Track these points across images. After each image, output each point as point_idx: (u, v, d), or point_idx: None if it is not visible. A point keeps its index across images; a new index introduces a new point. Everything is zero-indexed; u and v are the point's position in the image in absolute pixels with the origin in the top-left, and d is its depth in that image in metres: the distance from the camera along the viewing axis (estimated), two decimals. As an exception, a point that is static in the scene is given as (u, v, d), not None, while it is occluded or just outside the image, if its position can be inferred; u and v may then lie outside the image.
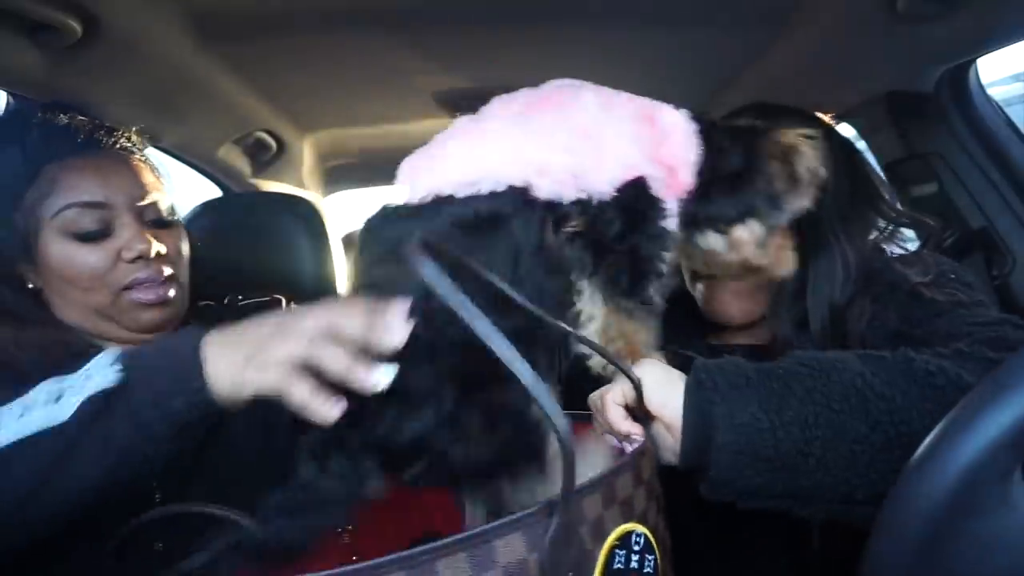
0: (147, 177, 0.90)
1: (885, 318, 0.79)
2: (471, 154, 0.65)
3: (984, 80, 1.22)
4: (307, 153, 1.86)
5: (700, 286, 0.92)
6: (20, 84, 1.02)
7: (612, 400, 0.66)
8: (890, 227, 0.89)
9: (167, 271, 0.87)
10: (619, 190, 0.64)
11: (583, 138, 0.65)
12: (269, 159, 1.74)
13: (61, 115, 0.89)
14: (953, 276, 0.82)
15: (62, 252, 0.82)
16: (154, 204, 0.88)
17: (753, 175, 0.70)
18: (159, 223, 0.88)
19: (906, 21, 0.99)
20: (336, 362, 0.56)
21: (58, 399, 0.58)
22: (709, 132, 0.70)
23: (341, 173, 2.11)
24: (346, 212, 2.65)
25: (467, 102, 1.51)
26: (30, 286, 0.84)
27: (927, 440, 0.44)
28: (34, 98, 1.06)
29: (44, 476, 0.56)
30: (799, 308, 0.85)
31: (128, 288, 0.84)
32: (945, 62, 1.15)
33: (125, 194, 0.85)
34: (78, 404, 0.58)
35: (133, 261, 0.84)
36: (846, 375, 0.59)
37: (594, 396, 0.70)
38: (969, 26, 1.00)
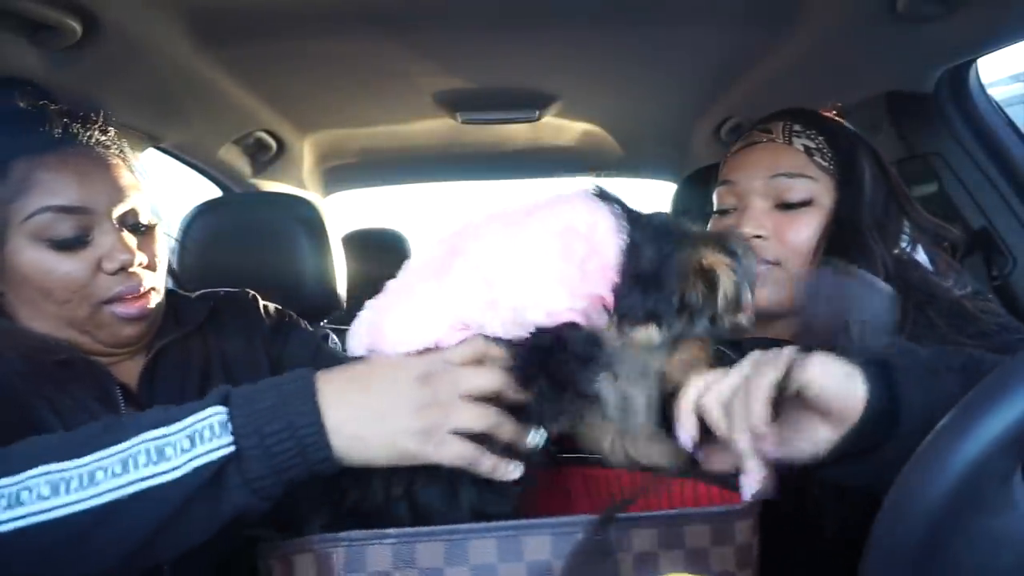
0: (126, 177, 0.82)
1: (933, 324, 0.79)
2: (400, 315, 0.64)
3: (984, 80, 1.22)
4: (307, 154, 1.86)
5: None
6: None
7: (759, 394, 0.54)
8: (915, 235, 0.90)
9: (148, 282, 0.81)
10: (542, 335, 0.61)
11: (498, 288, 0.61)
12: (269, 159, 1.74)
13: (33, 102, 0.81)
14: (989, 297, 0.85)
15: (35, 260, 0.75)
16: (133, 209, 0.81)
17: (664, 282, 0.65)
18: (138, 228, 0.82)
19: (906, 21, 0.99)
20: (506, 432, 0.58)
21: (160, 456, 0.54)
22: (633, 228, 0.66)
23: (341, 173, 2.11)
24: (346, 212, 2.66)
25: (467, 102, 1.52)
26: None
27: (927, 440, 0.44)
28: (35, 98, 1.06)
29: (149, 536, 0.54)
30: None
31: (109, 302, 0.78)
32: (945, 62, 1.15)
33: (104, 197, 0.78)
34: (188, 468, 0.54)
35: (115, 273, 0.78)
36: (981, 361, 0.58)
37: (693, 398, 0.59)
38: (969, 26, 1.00)
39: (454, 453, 0.57)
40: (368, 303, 0.67)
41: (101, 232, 0.78)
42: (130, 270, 0.79)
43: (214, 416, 0.56)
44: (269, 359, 0.97)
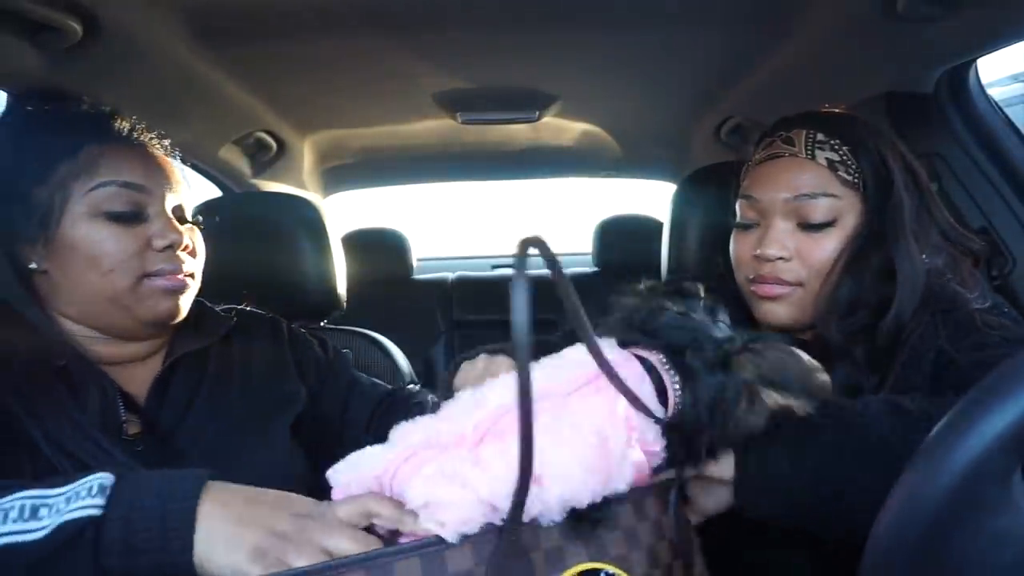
0: (179, 176, 0.91)
1: (935, 334, 0.79)
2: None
3: (984, 80, 1.22)
4: (307, 154, 1.86)
5: (753, 288, 0.91)
6: (20, 84, 1.02)
7: None
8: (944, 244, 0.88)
9: (188, 266, 0.87)
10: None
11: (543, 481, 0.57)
12: (269, 160, 1.74)
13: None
14: (1007, 309, 0.84)
15: (90, 231, 0.80)
16: (181, 204, 0.89)
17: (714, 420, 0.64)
18: (183, 221, 0.89)
19: (906, 21, 0.99)
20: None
21: (34, 514, 0.54)
22: (684, 380, 0.64)
23: (341, 173, 2.11)
24: (346, 212, 2.66)
25: (467, 102, 1.52)
26: (32, 266, 0.81)
27: (927, 440, 0.44)
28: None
29: None
30: (856, 318, 0.84)
31: (151, 275, 0.83)
32: (945, 62, 1.15)
33: (162, 185, 0.86)
34: (53, 526, 0.53)
35: (163, 250, 0.83)
36: (867, 431, 0.64)
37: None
38: (969, 26, 1.00)
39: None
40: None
41: (155, 212, 0.84)
42: (176, 250, 0.85)
43: (98, 480, 0.56)
44: (301, 395, 0.98)
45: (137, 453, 0.78)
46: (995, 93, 1.25)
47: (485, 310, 2.33)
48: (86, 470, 0.59)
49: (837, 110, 0.98)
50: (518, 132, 1.81)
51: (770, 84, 1.35)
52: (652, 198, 2.65)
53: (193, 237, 0.90)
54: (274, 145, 1.69)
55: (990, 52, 1.10)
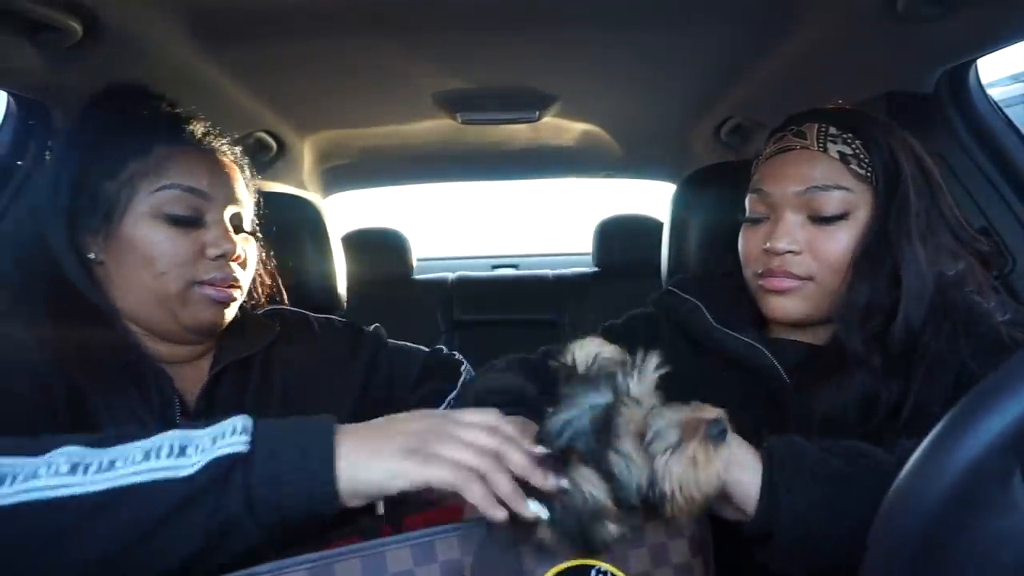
0: (242, 185, 0.92)
1: (957, 348, 0.77)
2: None
3: (984, 80, 1.22)
4: (307, 154, 1.86)
5: (761, 283, 0.89)
6: (20, 84, 1.02)
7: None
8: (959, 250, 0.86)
9: (238, 276, 0.88)
10: None
11: None
12: (269, 160, 1.74)
13: (183, 108, 0.92)
14: None
15: (150, 231, 0.82)
16: (239, 213, 0.90)
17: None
18: (240, 231, 0.90)
19: (906, 21, 0.99)
20: (503, 487, 0.56)
21: (182, 452, 0.57)
22: None
23: (341, 173, 2.11)
24: (346, 212, 2.67)
25: (467, 102, 1.52)
26: (91, 256, 0.83)
27: (927, 440, 0.44)
28: (35, 98, 1.06)
29: (151, 527, 0.54)
30: (873, 324, 0.82)
31: (201, 283, 0.84)
32: (945, 62, 1.15)
33: (224, 193, 0.87)
34: (201, 463, 0.56)
35: (216, 259, 0.85)
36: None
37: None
38: (969, 26, 1.00)
39: (443, 475, 0.56)
40: None
41: (213, 220, 0.86)
42: (230, 260, 0.86)
43: (239, 421, 0.59)
44: (352, 383, 1.00)
45: None
46: (995, 93, 1.25)
47: (485, 310, 2.33)
48: None
49: (848, 106, 0.97)
50: (518, 132, 1.81)
51: (770, 84, 1.35)
52: (652, 198, 2.65)
53: (247, 247, 0.91)
54: (274, 145, 1.69)
55: (990, 52, 1.10)
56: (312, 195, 1.96)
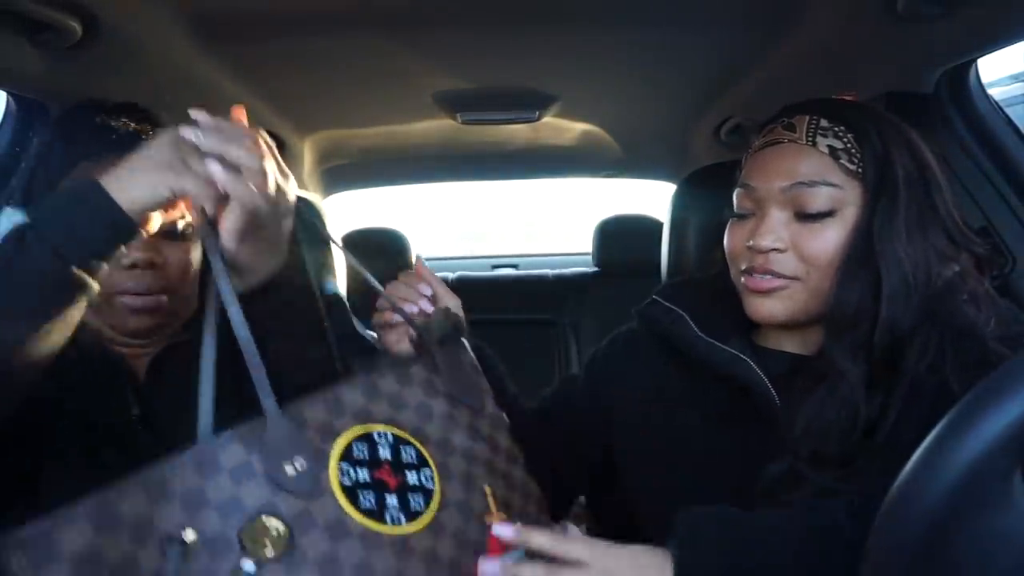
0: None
1: (942, 364, 0.74)
2: None
3: (984, 80, 1.22)
4: (307, 154, 1.86)
5: (745, 281, 0.85)
6: (20, 84, 1.02)
7: None
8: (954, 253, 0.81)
9: (162, 283, 0.86)
10: None
11: None
12: (269, 160, 1.74)
13: (116, 117, 0.89)
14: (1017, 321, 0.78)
15: None
16: (172, 221, 0.85)
17: None
18: (169, 234, 0.87)
19: (906, 21, 0.99)
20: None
21: None
22: None
23: (341, 173, 2.11)
24: (346, 212, 2.66)
25: (467, 102, 1.52)
26: None
27: (927, 441, 0.44)
28: (34, 98, 1.06)
29: None
30: (860, 331, 0.78)
31: (121, 293, 0.83)
32: (945, 62, 1.15)
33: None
34: None
35: (129, 268, 0.83)
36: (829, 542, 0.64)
37: None
38: (969, 26, 1.00)
39: (187, 184, 0.63)
40: None
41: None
42: (143, 270, 0.84)
43: (6, 214, 0.66)
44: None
45: (137, 432, 0.83)
46: (995, 93, 1.25)
47: (485, 310, 2.31)
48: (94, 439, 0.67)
49: (847, 97, 0.93)
50: (518, 132, 1.81)
51: (770, 84, 1.35)
52: (652, 198, 2.65)
53: (179, 251, 0.88)
54: (274, 145, 1.69)
55: (990, 52, 1.10)
56: (312, 195, 1.96)
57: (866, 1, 0.98)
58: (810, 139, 0.82)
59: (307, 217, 1.32)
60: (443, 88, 1.45)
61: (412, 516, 0.63)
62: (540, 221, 4.41)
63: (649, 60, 1.32)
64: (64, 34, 0.92)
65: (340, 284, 1.35)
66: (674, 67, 1.36)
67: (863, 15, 1.02)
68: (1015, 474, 0.41)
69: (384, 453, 0.65)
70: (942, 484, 0.41)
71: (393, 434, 0.67)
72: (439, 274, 0.99)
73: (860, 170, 0.80)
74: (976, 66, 1.19)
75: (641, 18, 1.13)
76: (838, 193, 0.80)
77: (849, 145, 0.81)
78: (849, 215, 0.81)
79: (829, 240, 0.80)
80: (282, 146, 1.71)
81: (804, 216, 0.81)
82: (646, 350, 0.96)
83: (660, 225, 1.44)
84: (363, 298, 1.80)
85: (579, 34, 1.19)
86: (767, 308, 0.84)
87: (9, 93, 1.06)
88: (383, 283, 0.80)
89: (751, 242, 0.83)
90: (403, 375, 0.73)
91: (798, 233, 0.81)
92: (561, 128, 1.79)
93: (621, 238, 2.39)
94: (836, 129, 0.82)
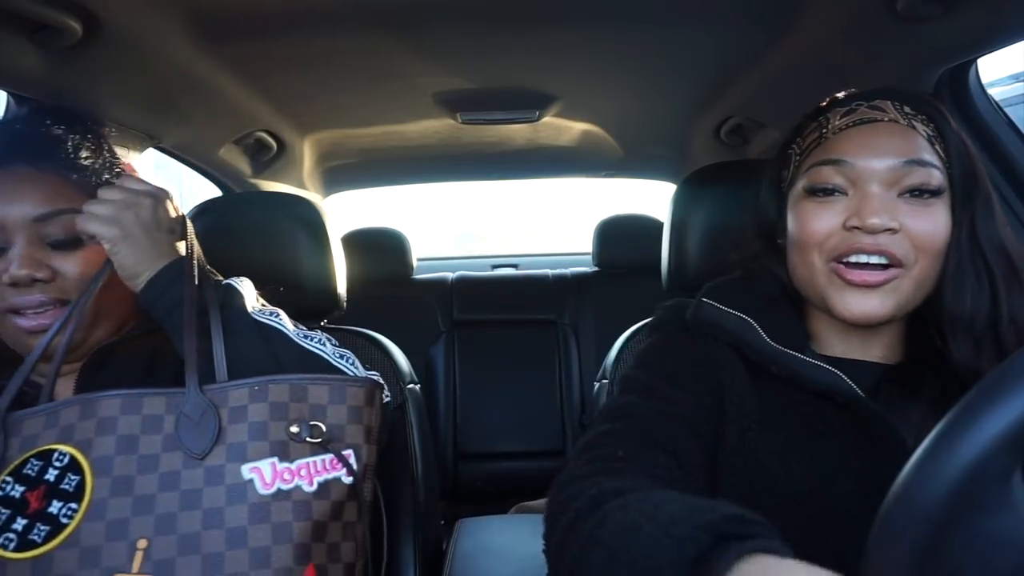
0: (59, 193, 0.80)
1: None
2: None
3: (984, 80, 1.22)
4: (307, 154, 1.86)
5: (840, 271, 0.73)
6: (20, 84, 1.02)
7: None
8: None
9: (56, 296, 0.79)
10: None
11: None
12: (269, 160, 1.74)
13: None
14: None
15: None
16: (59, 222, 0.80)
17: None
18: (60, 244, 0.80)
19: (906, 21, 0.99)
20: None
21: None
22: None
23: (341, 173, 2.11)
24: (346, 212, 2.67)
25: (467, 102, 1.53)
26: None
27: (926, 441, 0.44)
28: (34, 98, 1.06)
29: None
30: (977, 329, 0.72)
31: (12, 312, 0.78)
32: (945, 62, 1.15)
33: (22, 212, 0.78)
34: None
35: (13, 285, 0.77)
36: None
37: None
38: (969, 26, 1.00)
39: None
40: None
41: (13, 244, 0.78)
42: (28, 286, 0.78)
43: None
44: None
45: None
46: (995, 93, 1.25)
47: (485, 310, 2.33)
48: None
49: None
50: (518, 132, 1.81)
51: (770, 84, 1.35)
52: (652, 198, 2.66)
53: (74, 261, 0.81)
54: (274, 145, 1.69)
55: (990, 52, 1.10)
56: (312, 195, 1.96)
57: (866, 1, 0.98)
58: (907, 121, 0.76)
59: (307, 216, 1.33)
60: (443, 88, 1.45)
61: (25, 546, 0.62)
62: (540, 221, 4.41)
63: (649, 60, 1.32)
64: (64, 34, 0.92)
65: (340, 284, 1.35)
66: (674, 67, 1.36)
67: (863, 15, 1.02)
68: (1014, 475, 0.41)
69: (50, 475, 0.65)
70: (941, 485, 0.41)
71: (71, 456, 0.66)
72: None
73: (947, 160, 0.75)
74: (976, 66, 1.19)
75: (641, 18, 1.13)
76: (942, 176, 0.73)
77: (934, 134, 0.76)
78: (947, 202, 0.74)
79: (940, 222, 0.72)
80: (282, 146, 1.72)
81: (918, 193, 0.72)
82: (718, 356, 0.80)
83: (660, 225, 1.43)
84: (363, 298, 1.80)
85: (579, 34, 1.20)
86: (869, 305, 0.72)
87: (9, 93, 1.06)
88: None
89: (855, 222, 0.72)
90: (133, 403, 0.70)
91: (909, 214, 0.72)
92: (561, 128, 1.79)
93: (621, 238, 2.39)
94: (921, 116, 0.76)
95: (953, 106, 1.21)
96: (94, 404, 0.69)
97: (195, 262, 0.81)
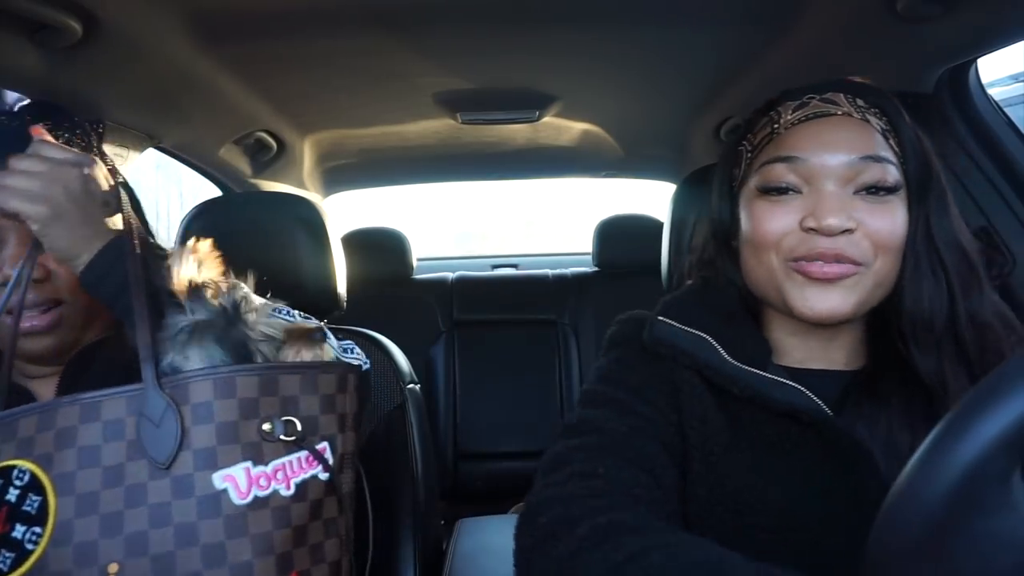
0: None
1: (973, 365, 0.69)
2: None
3: (984, 80, 1.22)
4: (307, 154, 1.86)
5: (798, 269, 0.71)
6: (20, 84, 1.02)
7: None
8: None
9: (51, 296, 0.79)
10: None
11: None
12: (269, 160, 1.74)
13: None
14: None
15: None
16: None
17: None
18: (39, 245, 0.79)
19: (906, 21, 0.99)
20: None
21: None
22: None
23: (341, 173, 2.11)
24: (346, 212, 2.67)
25: (467, 102, 1.53)
26: None
27: (926, 441, 0.44)
28: (34, 98, 1.06)
29: None
30: (936, 329, 0.71)
31: (9, 313, 0.75)
32: (945, 62, 1.15)
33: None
34: None
35: (5, 284, 0.75)
36: None
37: None
38: (969, 26, 1.00)
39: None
40: None
41: (8, 243, 0.78)
42: (32, 283, 0.77)
43: None
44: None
45: None
46: (995, 93, 1.25)
47: (485, 310, 2.33)
48: None
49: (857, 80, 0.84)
50: (518, 132, 1.81)
51: (770, 84, 1.35)
52: (652, 198, 2.66)
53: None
54: (274, 145, 1.69)
55: (990, 52, 1.10)
56: (312, 195, 1.96)
57: (866, 1, 0.98)
58: (860, 115, 0.73)
59: (307, 216, 1.33)
60: (443, 88, 1.45)
61: None
62: (540, 221, 4.41)
63: (649, 60, 1.32)
64: (64, 34, 0.92)
65: (340, 284, 1.35)
66: (674, 67, 1.37)
67: (863, 15, 1.02)
68: (1014, 475, 0.41)
69: (11, 495, 0.61)
70: (941, 485, 0.41)
71: (32, 473, 0.62)
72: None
73: (901, 155, 0.73)
74: (976, 66, 1.19)
75: (641, 18, 1.13)
76: (898, 172, 0.71)
77: (888, 128, 0.74)
78: (903, 198, 0.72)
79: (898, 220, 0.70)
80: (282, 146, 1.72)
81: (874, 191, 0.70)
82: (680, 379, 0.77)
83: (660, 225, 1.43)
84: (363, 298, 1.80)
85: (579, 34, 1.20)
86: (831, 302, 0.69)
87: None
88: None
89: (812, 223, 0.69)
90: (91, 409, 0.64)
91: (866, 212, 0.70)
92: (561, 128, 1.79)
93: (621, 238, 2.39)
94: (874, 110, 0.75)
95: (953, 106, 1.21)
96: (52, 414, 0.63)
97: (136, 237, 0.72)
